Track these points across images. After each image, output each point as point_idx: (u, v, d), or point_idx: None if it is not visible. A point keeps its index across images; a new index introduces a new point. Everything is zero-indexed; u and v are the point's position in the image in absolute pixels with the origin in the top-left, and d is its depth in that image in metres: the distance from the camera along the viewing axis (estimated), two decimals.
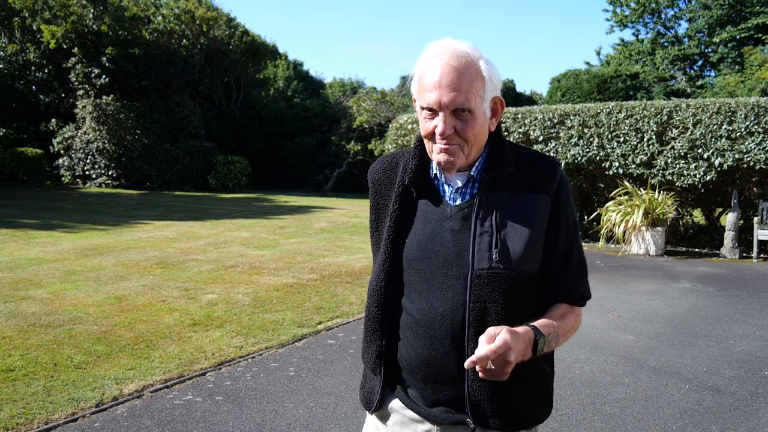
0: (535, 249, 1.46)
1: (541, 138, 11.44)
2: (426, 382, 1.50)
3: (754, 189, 10.28)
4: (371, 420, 1.64)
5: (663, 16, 32.16)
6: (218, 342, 4.86)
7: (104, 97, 21.67)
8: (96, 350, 4.55)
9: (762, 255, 9.93)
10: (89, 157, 22.11)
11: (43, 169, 21.98)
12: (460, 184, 1.50)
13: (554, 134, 11.36)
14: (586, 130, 11.01)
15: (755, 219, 9.73)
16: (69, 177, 22.63)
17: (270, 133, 26.62)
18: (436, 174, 1.54)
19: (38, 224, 11.65)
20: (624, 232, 10.12)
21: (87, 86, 22.03)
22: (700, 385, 4.19)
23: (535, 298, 1.50)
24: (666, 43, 32.23)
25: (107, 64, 21.70)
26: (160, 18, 23.00)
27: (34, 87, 23.64)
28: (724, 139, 9.83)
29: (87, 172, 22.37)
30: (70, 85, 22.66)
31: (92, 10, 21.48)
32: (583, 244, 8.78)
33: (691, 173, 10.09)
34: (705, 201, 10.90)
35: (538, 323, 1.41)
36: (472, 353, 1.30)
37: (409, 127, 13.18)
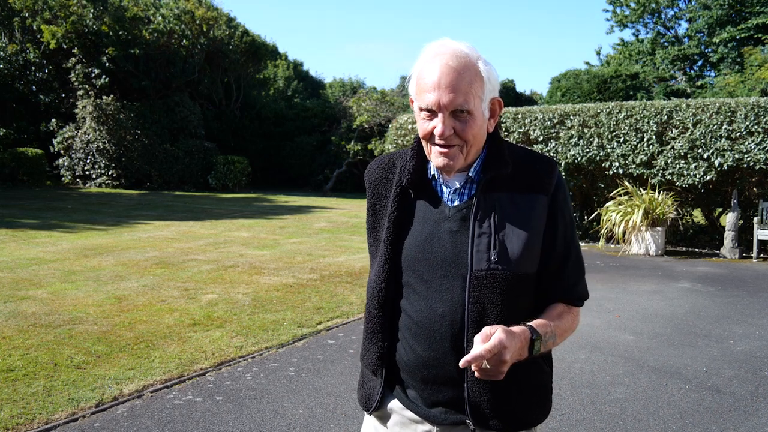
0: (534, 250, 1.46)
1: (541, 138, 11.44)
2: (425, 383, 1.50)
3: (754, 189, 10.28)
4: (370, 420, 1.64)
5: (663, 16, 32.18)
6: (218, 342, 4.87)
7: (104, 97, 21.68)
8: (96, 350, 4.55)
9: (762, 255, 9.93)
10: (89, 157, 22.12)
11: (43, 169, 21.99)
12: (458, 185, 1.50)
13: (554, 134, 11.36)
14: (586, 130, 11.02)
15: (755, 219, 9.73)
16: (69, 177, 22.64)
17: (270, 133, 26.62)
18: (434, 175, 1.53)
19: (38, 224, 11.65)
20: (624, 232, 10.12)
21: (87, 86, 22.04)
22: (700, 385, 4.19)
23: (533, 298, 1.50)
24: (666, 43, 32.24)
25: (107, 64, 21.71)
26: (160, 18, 23.00)
27: (34, 87, 23.64)
28: (724, 139, 9.83)
29: (87, 172, 22.37)
30: (70, 85, 22.67)
31: (92, 10, 21.49)
32: (583, 244, 8.70)
33: (691, 173, 10.09)
34: (705, 201, 10.90)
35: (534, 323, 1.41)
36: None
37: (409, 127, 13.18)
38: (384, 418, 1.60)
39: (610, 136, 10.77)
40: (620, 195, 10.45)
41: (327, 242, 10.54)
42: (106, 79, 21.75)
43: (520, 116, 11.76)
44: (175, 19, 23.17)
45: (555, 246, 1.49)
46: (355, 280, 7.35)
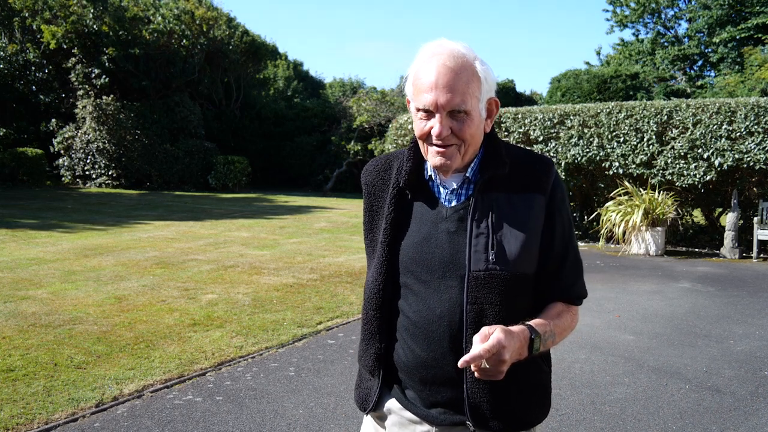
0: (531, 250, 1.46)
1: (541, 138, 11.44)
2: (424, 384, 1.49)
3: (754, 189, 10.28)
4: (369, 421, 1.64)
5: (663, 16, 32.17)
6: (218, 342, 4.87)
7: (104, 97, 21.68)
8: (96, 350, 4.55)
9: (762, 255, 9.93)
10: (89, 157, 22.12)
11: (43, 169, 21.99)
12: (455, 185, 1.50)
13: (554, 134, 11.36)
14: (586, 130, 11.02)
15: (755, 219, 9.73)
16: (69, 177, 22.64)
17: (270, 133, 26.62)
18: (431, 175, 1.53)
19: (38, 224, 11.65)
20: (624, 232, 10.12)
21: (87, 86, 22.04)
22: (700, 385, 4.19)
23: (531, 298, 1.50)
24: (666, 43, 32.23)
25: (107, 64, 21.71)
26: (159, 18, 23.00)
27: (34, 87, 23.64)
28: (724, 139, 9.83)
29: (87, 172, 22.37)
30: (70, 85, 22.67)
31: (92, 10, 21.48)
32: (583, 244, 8.72)
33: (691, 173, 10.09)
34: (705, 201, 10.90)
35: (533, 322, 1.41)
36: None
37: (409, 127, 13.18)
38: (382, 419, 1.60)
39: (610, 136, 10.77)
40: (620, 195, 10.45)
41: (327, 242, 10.54)
42: (106, 79, 21.75)
43: (520, 116, 11.76)
44: (175, 19, 23.16)
45: (553, 246, 1.49)
46: (355, 280, 7.35)
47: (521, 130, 11.66)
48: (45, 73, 23.08)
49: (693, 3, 30.38)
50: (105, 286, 6.67)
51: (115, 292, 6.38)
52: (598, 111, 10.96)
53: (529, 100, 28.69)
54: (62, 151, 22.45)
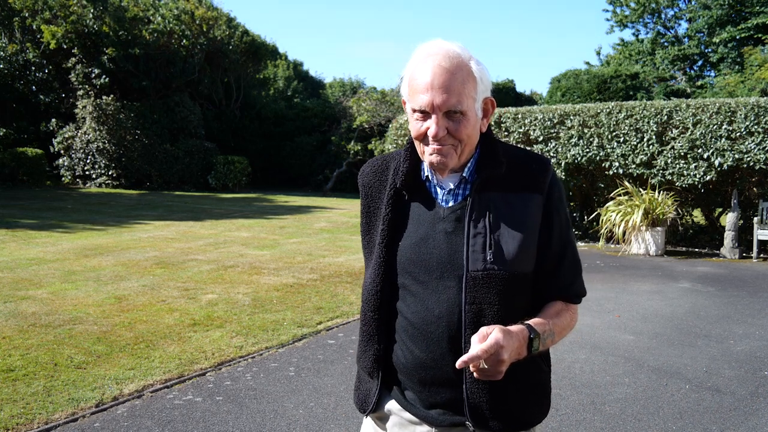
0: (529, 249, 1.45)
1: (541, 138, 11.44)
2: (424, 385, 1.49)
3: (754, 189, 10.28)
4: (369, 422, 1.64)
5: (663, 16, 32.17)
6: (218, 342, 4.87)
7: (104, 97, 21.68)
8: (96, 350, 4.55)
9: (762, 255, 9.93)
10: (89, 157, 22.12)
11: (43, 169, 21.99)
12: (452, 185, 1.50)
13: (554, 134, 11.36)
14: (586, 130, 11.01)
15: (755, 219, 9.73)
16: (69, 177, 22.64)
17: (270, 133, 26.62)
18: (427, 176, 1.53)
19: (38, 224, 11.65)
20: (624, 232, 10.12)
21: (87, 86, 22.04)
22: (700, 385, 4.19)
23: (530, 297, 1.50)
24: (666, 43, 32.23)
25: (107, 64, 21.71)
26: (159, 18, 23.00)
27: (34, 87, 23.64)
28: (724, 139, 9.83)
29: (87, 172, 22.38)
30: (70, 85, 22.67)
31: (92, 10, 21.48)
32: (583, 244, 8.69)
33: (691, 173, 10.09)
34: (705, 201, 10.90)
35: (532, 321, 1.41)
36: None
37: (409, 127, 13.18)
38: (382, 420, 1.60)
39: (610, 136, 10.77)
40: (620, 195, 10.45)
41: (327, 242, 10.54)
42: (106, 79, 21.75)
43: (520, 116, 11.76)
44: (175, 19, 23.17)
45: (551, 245, 1.49)
46: (355, 280, 7.35)
47: (521, 130, 11.66)
48: (45, 73, 23.08)
49: (693, 3, 30.38)
50: (105, 286, 6.67)
51: (115, 292, 6.38)
52: (598, 111, 10.96)
53: (529, 100, 28.67)
54: (62, 151, 22.45)
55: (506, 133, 11.81)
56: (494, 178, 1.48)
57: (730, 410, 3.77)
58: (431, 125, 1.40)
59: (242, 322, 5.45)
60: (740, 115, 9.70)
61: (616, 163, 10.70)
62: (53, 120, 23.13)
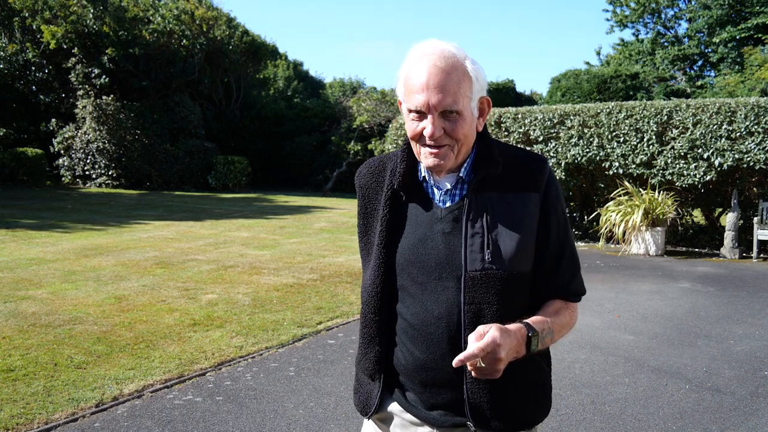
0: (527, 248, 1.45)
1: (541, 138, 11.44)
2: (425, 386, 1.49)
3: (754, 189, 10.28)
4: (369, 424, 1.64)
5: (663, 16, 32.16)
6: (218, 342, 4.87)
7: (104, 97, 21.68)
8: (96, 350, 4.55)
9: (762, 255, 9.93)
10: (89, 157, 22.12)
11: (43, 169, 21.99)
12: (449, 186, 1.50)
13: (554, 134, 11.36)
14: (586, 130, 11.02)
15: (755, 219, 9.73)
16: (69, 177, 22.64)
17: (270, 133, 26.62)
18: (424, 176, 1.53)
19: (38, 224, 11.65)
20: (624, 232, 10.12)
21: (87, 86, 22.04)
22: (700, 385, 4.19)
23: (529, 296, 1.50)
24: (666, 43, 32.23)
25: (107, 64, 21.71)
26: (159, 18, 23.01)
27: (34, 87, 23.64)
28: (724, 139, 9.83)
29: (87, 172, 22.38)
30: (70, 85, 22.67)
31: (92, 10, 21.48)
32: (583, 244, 8.67)
33: (691, 173, 10.09)
34: (705, 201, 10.90)
35: (531, 320, 1.41)
36: None
37: None
38: (384, 421, 1.59)
39: (610, 136, 10.77)
40: (620, 195, 10.45)
41: (327, 242, 10.54)
42: (106, 79, 21.75)
43: (520, 116, 11.76)
44: (175, 19, 23.17)
45: (548, 243, 1.49)
46: (355, 280, 7.35)
47: (521, 130, 11.66)
48: (45, 73, 23.08)
49: (693, 3, 30.37)
50: (105, 286, 6.67)
51: (115, 292, 6.38)
52: (598, 111, 10.96)
53: (529, 100, 28.67)
54: (62, 151, 22.45)
55: (506, 133, 11.81)
56: (491, 177, 1.48)
57: (730, 410, 3.77)
58: (427, 125, 1.40)
59: (242, 322, 5.45)
60: (740, 115, 9.70)
61: (616, 163, 10.70)
62: (53, 120, 23.13)
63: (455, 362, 1.26)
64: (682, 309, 6.37)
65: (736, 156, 9.71)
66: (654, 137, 10.37)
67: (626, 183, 10.37)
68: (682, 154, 10.17)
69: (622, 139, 10.67)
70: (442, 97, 1.38)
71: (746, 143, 9.64)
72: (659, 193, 10.23)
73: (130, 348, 4.65)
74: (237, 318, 5.57)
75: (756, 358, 4.76)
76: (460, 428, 1.48)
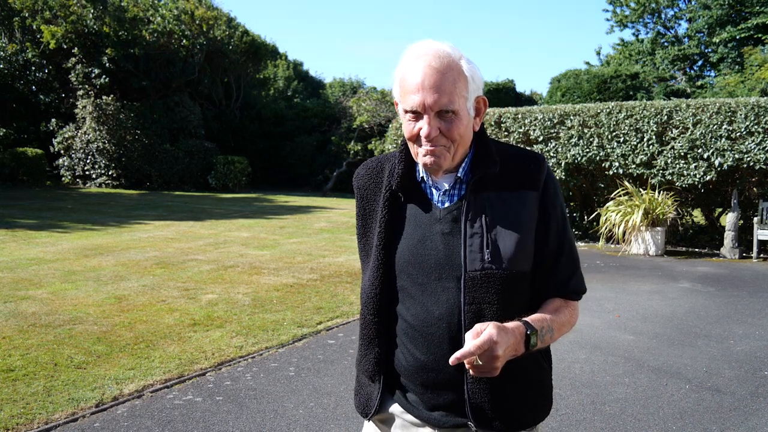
0: (527, 247, 1.45)
1: (541, 138, 11.44)
2: (425, 387, 1.49)
3: (754, 189, 10.28)
4: (370, 426, 1.63)
5: (663, 16, 32.16)
6: (218, 342, 4.87)
7: (104, 97, 21.68)
8: (96, 350, 4.55)
9: (762, 255, 9.93)
10: (89, 157, 22.12)
11: (43, 169, 21.99)
12: (447, 186, 1.50)
13: (554, 134, 11.36)
14: (586, 130, 11.02)
15: (755, 219, 9.73)
16: (69, 177, 22.64)
17: (270, 133, 26.62)
18: (422, 177, 1.53)
19: (38, 224, 11.65)
20: (624, 232, 10.12)
21: (87, 86, 22.04)
22: (700, 385, 4.19)
23: (529, 295, 1.50)
24: (666, 43, 32.23)
25: (107, 64, 21.71)
26: (159, 18, 23.01)
27: (34, 87, 23.64)
28: (724, 139, 9.83)
29: (87, 172, 22.38)
30: (70, 85, 22.67)
31: (92, 11, 21.49)
32: (583, 244, 8.67)
33: (691, 173, 10.09)
34: (705, 201, 10.90)
35: (530, 318, 1.41)
36: None
37: None
38: (384, 422, 1.59)
39: (610, 136, 10.77)
40: (620, 195, 10.45)
41: (327, 242, 10.54)
42: (106, 79, 21.75)
43: (520, 116, 11.76)
44: (175, 19, 23.17)
45: (548, 242, 1.49)
46: (355, 280, 7.35)
47: (521, 130, 11.66)
48: (45, 73, 23.08)
49: (693, 3, 30.37)
50: (105, 286, 6.67)
51: (115, 292, 6.38)
52: (598, 111, 10.96)
53: (529, 100, 28.67)
54: (62, 151, 22.45)
55: (506, 133, 11.81)
56: (489, 177, 1.47)
57: (730, 410, 3.77)
58: (423, 126, 1.40)
59: (242, 322, 5.45)
60: (740, 115, 9.70)
61: (616, 163, 10.70)
62: (53, 120, 23.13)
63: (452, 360, 1.26)
64: (682, 309, 6.37)
65: (736, 156, 9.71)
66: (654, 137, 10.37)
67: (626, 183, 10.37)
68: (682, 154, 10.17)
69: (622, 139, 10.67)
70: (438, 97, 1.37)
71: (746, 143, 9.64)
72: (659, 193, 10.23)
73: (130, 348, 4.65)
74: (237, 318, 5.57)
75: (756, 358, 4.76)
76: (461, 428, 1.48)
